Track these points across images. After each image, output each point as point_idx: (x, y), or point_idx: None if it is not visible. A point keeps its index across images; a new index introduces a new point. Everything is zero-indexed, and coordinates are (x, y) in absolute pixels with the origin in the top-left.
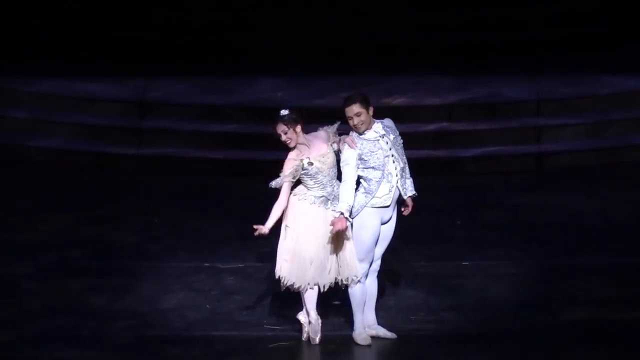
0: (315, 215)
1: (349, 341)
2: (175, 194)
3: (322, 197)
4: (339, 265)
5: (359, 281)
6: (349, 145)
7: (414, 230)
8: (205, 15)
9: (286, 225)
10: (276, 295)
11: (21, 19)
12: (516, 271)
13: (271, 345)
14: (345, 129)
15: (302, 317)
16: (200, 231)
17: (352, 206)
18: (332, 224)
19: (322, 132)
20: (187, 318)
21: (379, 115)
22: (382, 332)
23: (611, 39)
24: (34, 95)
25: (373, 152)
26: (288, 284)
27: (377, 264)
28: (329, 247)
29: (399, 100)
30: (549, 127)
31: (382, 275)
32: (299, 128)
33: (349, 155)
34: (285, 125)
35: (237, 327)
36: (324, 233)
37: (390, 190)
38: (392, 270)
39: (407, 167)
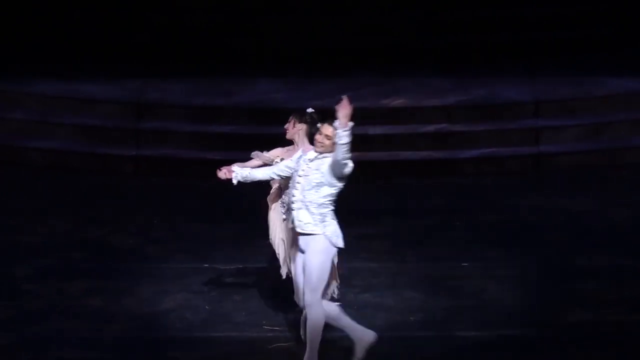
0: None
1: (350, 342)
2: (174, 195)
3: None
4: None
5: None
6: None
7: (412, 231)
8: (203, 17)
9: (282, 239)
10: (276, 296)
11: (20, 21)
12: (515, 272)
13: (270, 346)
14: None
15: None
16: (199, 232)
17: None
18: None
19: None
20: (187, 319)
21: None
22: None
23: (610, 40)
24: (32, 96)
25: (295, 169)
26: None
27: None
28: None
29: (397, 102)
30: (547, 128)
31: (382, 276)
32: (299, 127)
33: (286, 160)
34: (293, 117)
35: (237, 328)
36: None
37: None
38: (391, 271)
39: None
